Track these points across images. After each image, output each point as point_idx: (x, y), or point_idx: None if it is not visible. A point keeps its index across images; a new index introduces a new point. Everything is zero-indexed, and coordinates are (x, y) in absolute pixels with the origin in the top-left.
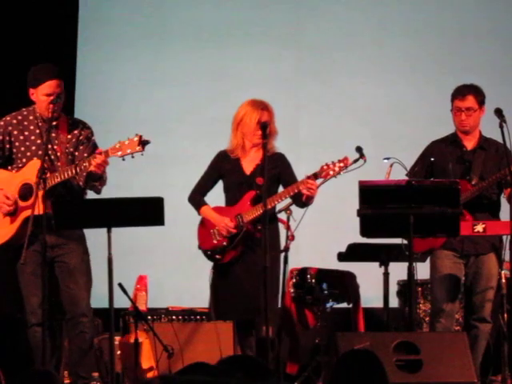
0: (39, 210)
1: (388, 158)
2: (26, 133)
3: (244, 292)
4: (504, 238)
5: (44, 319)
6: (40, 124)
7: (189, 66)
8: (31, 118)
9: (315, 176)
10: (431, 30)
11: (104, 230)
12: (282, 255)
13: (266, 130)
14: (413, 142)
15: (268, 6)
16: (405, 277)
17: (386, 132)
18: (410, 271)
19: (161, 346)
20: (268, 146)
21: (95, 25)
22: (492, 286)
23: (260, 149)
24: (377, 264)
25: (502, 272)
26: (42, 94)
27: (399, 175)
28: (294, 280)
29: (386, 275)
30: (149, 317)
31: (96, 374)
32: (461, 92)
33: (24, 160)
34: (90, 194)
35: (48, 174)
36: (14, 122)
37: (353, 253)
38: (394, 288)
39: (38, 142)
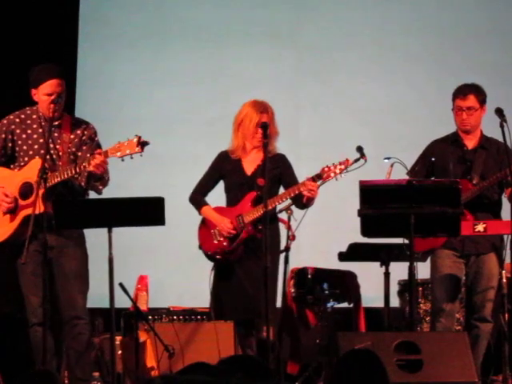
0: (39, 209)
1: (388, 158)
2: (29, 131)
3: (244, 292)
4: (505, 237)
5: (45, 319)
6: (43, 123)
7: (189, 66)
8: (34, 116)
9: (316, 178)
10: (431, 29)
11: (104, 230)
12: (283, 255)
13: (266, 129)
14: (413, 142)
15: (268, 6)
16: (405, 276)
17: (386, 132)
18: (411, 271)
19: (162, 346)
20: (269, 147)
21: (95, 25)
22: (493, 285)
23: (261, 150)
24: (377, 264)
25: (503, 272)
26: (43, 94)
27: (400, 175)
28: (295, 280)
29: (387, 275)
30: (149, 317)
31: (97, 374)
32: (462, 91)
33: (26, 159)
34: (91, 194)
35: (49, 174)
36: (17, 120)
37: (353, 252)
38: (394, 288)
39: (41, 140)
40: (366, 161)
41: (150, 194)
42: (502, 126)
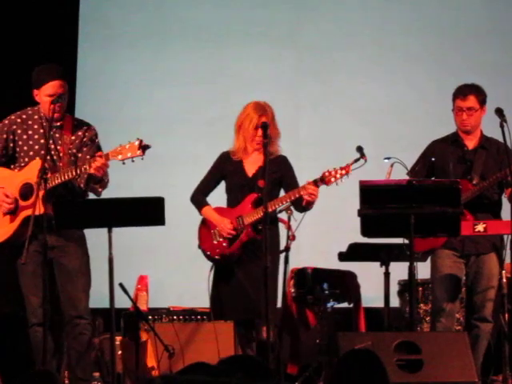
0: (39, 210)
1: (389, 158)
2: (30, 132)
3: (244, 292)
4: (505, 237)
5: (45, 319)
6: (44, 124)
7: (189, 66)
8: (36, 117)
9: (318, 182)
10: (431, 29)
11: (104, 230)
12: (283, 255)
13: (266, 129)
14: (413, 142)
15: (268, 6)
16: (405, 276)
17: (386, 132)
18: (411, 271)
19: (162, 346)
20: (271, 148)
21: (95, 24)
22: (493, 285)
23: (262, 151)
24: (377, 264)
25: (503, 272)
26: (45, 95)
27: (400, 175)
28: (295, 280)
29: (387, 275)
30: (150, 317)
31: (97, 374)
32: (462, 92)
33: (26, 159)
34: (91, 195)
35: (49, 175)
36: (19, 120)
37: (353, 252)
38: (394, 288)
39: (42, 141)
40: (366, 161)
41: (150, 194)
42: (502, 126)
